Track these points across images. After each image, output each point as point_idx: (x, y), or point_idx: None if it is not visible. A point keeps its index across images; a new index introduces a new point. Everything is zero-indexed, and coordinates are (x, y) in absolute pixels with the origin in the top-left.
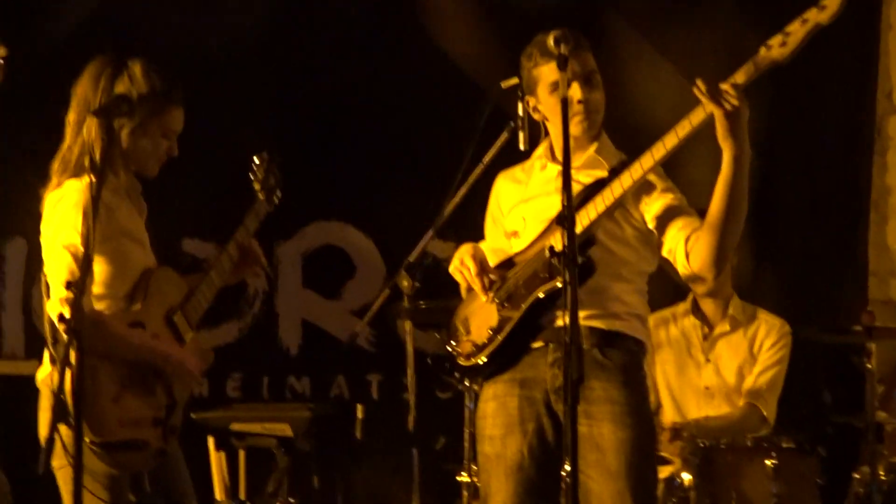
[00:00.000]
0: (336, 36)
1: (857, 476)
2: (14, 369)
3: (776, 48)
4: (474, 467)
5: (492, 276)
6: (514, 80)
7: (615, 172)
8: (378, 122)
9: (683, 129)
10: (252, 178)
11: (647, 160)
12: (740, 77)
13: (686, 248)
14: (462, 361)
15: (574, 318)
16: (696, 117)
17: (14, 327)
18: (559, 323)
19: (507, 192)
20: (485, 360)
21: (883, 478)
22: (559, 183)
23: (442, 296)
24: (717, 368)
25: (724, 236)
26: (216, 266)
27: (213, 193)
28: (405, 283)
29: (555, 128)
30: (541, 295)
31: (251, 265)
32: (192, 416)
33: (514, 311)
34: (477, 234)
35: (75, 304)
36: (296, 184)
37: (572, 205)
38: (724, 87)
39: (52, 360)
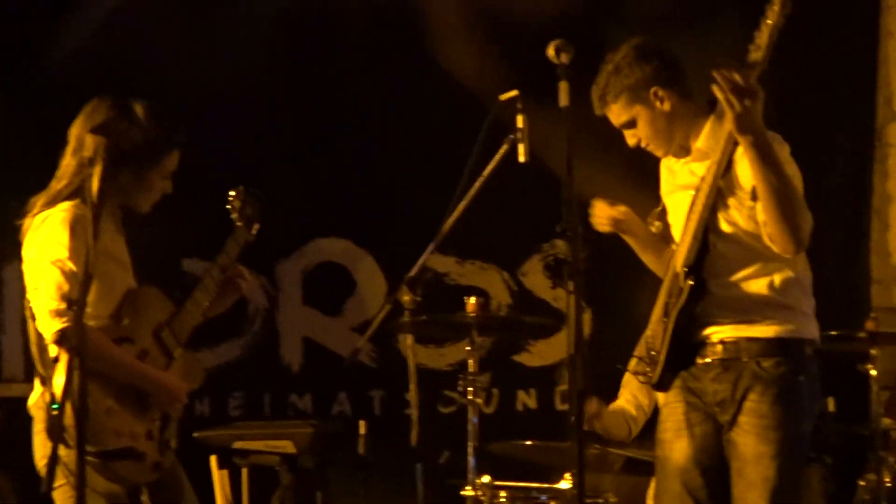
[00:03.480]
0: (334, 53)
1: (862, 483)
2: (14, 392)
3: (752, 52)
4: (478, 481)
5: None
6: (514, 93)
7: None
8: (377, 138)
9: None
10: (229, 208)
11: (720, 162)
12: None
13: (766, 231)
14: (643, 380)
15: (579, 334)
16: None
17: (14, 351)
18: (716, 338)
19: (662, 181)
20: (656, 379)
21: (889, 484)
22: (685, 176)
23: (443, 310)
24: None
25: (782, 215)
26: (200, 287)
27: (213, 214)
28: (406, 298)
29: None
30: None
31: (236, 289)
32: (195, 434)
33: (667, 329)
34: (475, 249)
35: (76, 322)
36: (294, 201)
37: (574, 216)
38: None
39: (43, 382)
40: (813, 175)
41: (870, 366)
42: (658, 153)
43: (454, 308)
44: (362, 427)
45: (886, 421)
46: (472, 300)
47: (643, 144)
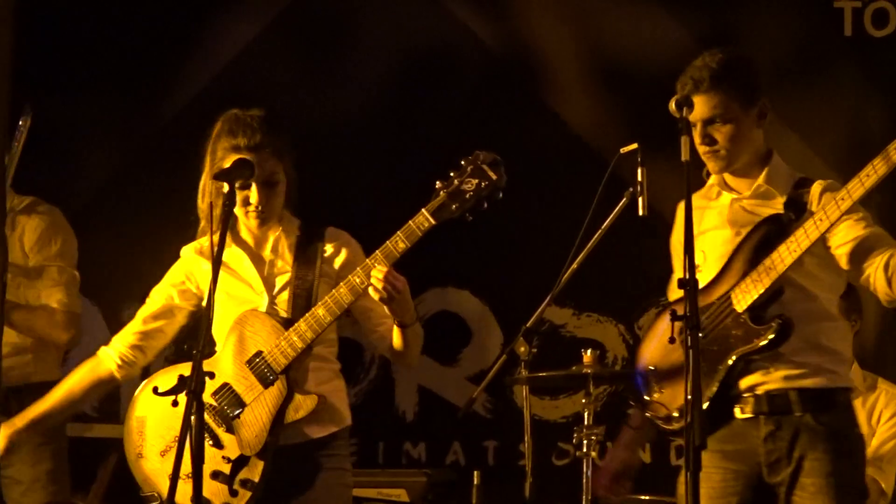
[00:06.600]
0: (455, 105)
1: None
2: None
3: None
4: None
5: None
6: (634, 146)
7: (793, 205)
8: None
9: (881, 166)
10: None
11: (844, 201)
12: None
13: (887, 274)
14: (662, 425)
15: (696, 387)
16: None
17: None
18: (761, 390)
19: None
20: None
21: None
22: (733, 213)
23: (559, 362)
24: None
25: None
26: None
27: None
28: (522, 350)
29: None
30: (734, 358)
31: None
32: None
33: (710, 374)
34: (592, 302)
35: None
36: (412, 251)
37: (693, 270)
38: None
39: None
40: None
41: None
42: (717, 166)
43: (570, 360)
44: (476, 477)
45: None
46: (589, 353)
47: (717, 148)
